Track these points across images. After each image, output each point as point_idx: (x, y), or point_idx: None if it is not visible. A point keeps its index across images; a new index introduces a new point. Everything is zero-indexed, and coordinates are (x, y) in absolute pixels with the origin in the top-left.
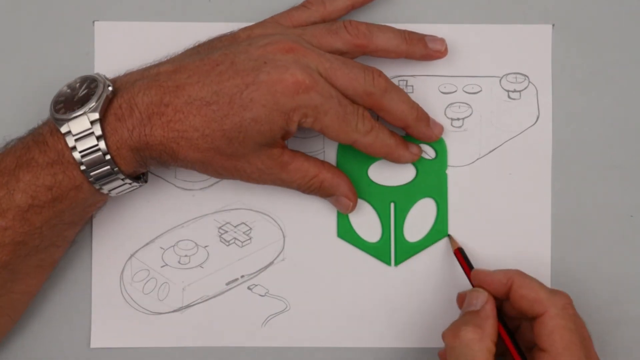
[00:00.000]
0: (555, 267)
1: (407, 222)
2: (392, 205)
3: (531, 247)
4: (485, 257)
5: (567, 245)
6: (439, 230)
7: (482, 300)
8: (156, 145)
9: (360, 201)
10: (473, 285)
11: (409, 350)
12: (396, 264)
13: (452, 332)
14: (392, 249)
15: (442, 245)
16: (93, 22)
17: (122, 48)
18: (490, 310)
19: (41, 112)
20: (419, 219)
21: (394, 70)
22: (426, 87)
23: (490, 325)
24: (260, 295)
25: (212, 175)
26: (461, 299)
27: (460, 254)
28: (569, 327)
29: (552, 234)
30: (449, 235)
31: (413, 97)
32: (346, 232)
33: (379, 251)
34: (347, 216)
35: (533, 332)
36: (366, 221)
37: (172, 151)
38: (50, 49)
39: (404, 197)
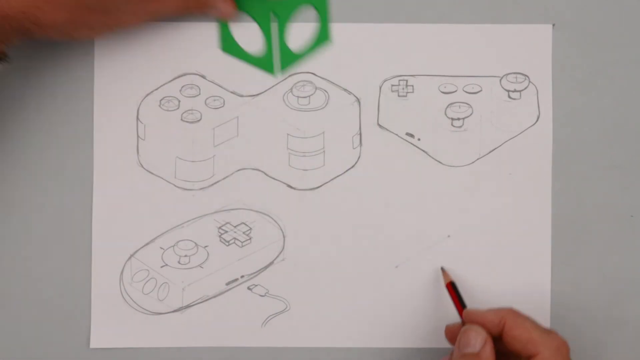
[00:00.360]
0: (556, 267)
1: (288, 31)
2: (271, 14)
3: (531, 247)
4: (485, 257)
5: (567, 245)
6: (322, 36)
7: (480, 341)
8: (16, 14)
9: (240, 15)
10: (464, 323)
11: (409, 350)
12: (281, 70)
13: None
14: (277, 59)
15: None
16: None
17: (122, 48)
18: (489, 352)
19: (40, 111)
20: (300, 27)
21: (394, 70)
22: (426, 87)
23: None
24: (260, 295)
25: (84, 36)
26: (450, 333)
27: (452, 289)
28: None
29: (552, 234)
30: (441, 268)
31: (413, 97)
32: (230, 46)
33: (263, 62)
34: (229, 30)
35: None
36: (248, 34)
37: (35, 18)
38: (50, 48)
39: (283, 6)
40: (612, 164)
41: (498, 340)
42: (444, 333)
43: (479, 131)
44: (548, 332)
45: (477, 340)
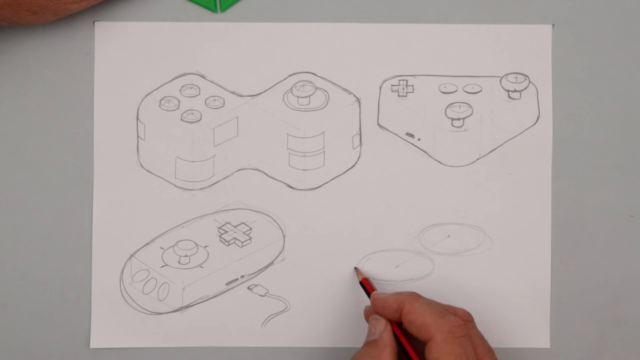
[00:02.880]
0: (556, 267)
1: None
2: None
3: (531, 247)
4: (485, 257)
5: (567, 245)
6: None
7: (380, 328)
8: None
9: None
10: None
11: None
12: (222, 10)
13: None
14: None
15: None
16: (93, 22)
17: (122, 48)
18: (387, 338)
19: (42, 111)
20: None
21: (394, 70)
22: (426, 87)
23: (387, 354)
24: (260, 295)
25: (27, 20)
26: (367, 315)
27: (365, 283)
28: (454, 352)
29: (552, 234)
30: (355, 268)
31: (413, 97)
32: None
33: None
34: None
35: (425, 357)
36: None
37: None
38: (50, 48)
39: None
40: (612, 164)
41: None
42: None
43: (479, 131)
44: (443, 315)
45: (376, 327)
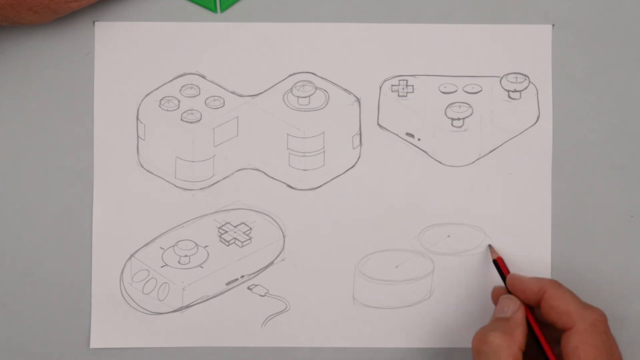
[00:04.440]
0: (556, 267)
1: None
2: None
3: (531, 247)
4: (485, 257)
5: (567, 245)
6: None
7: (513, 308)
8: None
9: None
10: (508, 290)
11: (409, 350)
12: (222, 10)
13: (480, 336)
14: None
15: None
16: (93, 22)
17: (122, 48)
18: (520, 318)
19: (42, 111)
20: None
21: (394, 70)
22: (426, 87)
23: (519, 333)
24: (260, 295)
25: (28, 20)
26: (495, 295)
27: (500, 262)
28: (595, 344)
29: (552, 234)
30: (489, 246)
31: (413, 97)
32: None
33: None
34: None
35: (561, 345)
36: None
37: None
38: (50, 48)
39: None
40: (612, 164)
41: (537, 309)
42: (473, 336)
43: (479, 131)
44: (586, 307)
45: (509, 307)
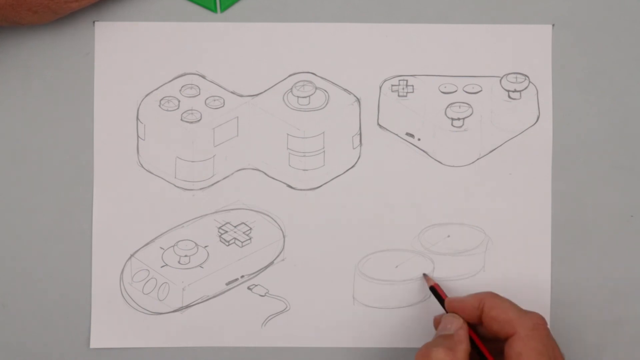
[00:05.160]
0: (556, 267)
1: None
2: None
3: (531, 247)
4: (485, 257)
5: (567, 245)
6: None
7: (456, 325)
8: None
9: None
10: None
11: (409, 350)
12: (222, 10)
13: (423, 352)
14: None
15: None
16: (93, 22)
17: (122, 48)
18: (463, 335)
19: (42, 111)
20: None
21: (394, 70)
22: (426, 87)
23: (462, 349)
24: (260, 295)
25: (28, 20)
26: (437, 322)
27: (437, 288)
28: (538, 348)
29: (552, 234)
30: (424, 275)
31: (413, 97)
32: None
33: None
34: None
35: (504, 353)
36: None
37: None
38: (50, 48)
39: None
40: (612, 164)
41: (480, 326)
42: (416, 353)
43: (479, 131)
44: (525, 312)
45: (452, 324)
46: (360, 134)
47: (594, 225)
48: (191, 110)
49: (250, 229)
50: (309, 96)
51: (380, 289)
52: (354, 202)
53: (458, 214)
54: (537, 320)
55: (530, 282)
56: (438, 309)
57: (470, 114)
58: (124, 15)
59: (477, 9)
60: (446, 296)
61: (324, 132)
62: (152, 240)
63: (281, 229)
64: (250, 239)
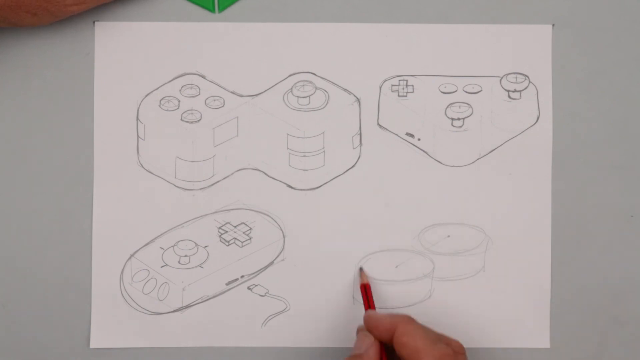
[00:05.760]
0: (556, 267)
1: None
2: None
3: (531, 247)
4: (484, 257)
5: (567, 245)
6: None
7: (367, 344)
8: None
9: None
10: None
11: None
12: (220, 10)
13: None
14: None
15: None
16: (93, 22)
17: (122, 48)
18: (373, 355)
19: (42, 111)
20: None
21: (394, 70)
22: (426, 87)
23: None
24: (260, 295)
25: (27, 22)
26: (358, 332)
27: (365, 291)
28: None
29: (552, 234)
30: (360, 269)
31: (413, 97)
32: None
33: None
34: None
35: None
36: None
37: None
38: (50, 49)
39: None
40: (612, 164)
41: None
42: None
43: (479, 131)
44: (434, 342)
45: (363, 343)
46: (360, 134)
47: (593, 225)
48: (191, 110)
49: (250, 229)
50: (309, 96)
51: (380, 289)
52: (354, 202)
53: (458, 214)
54: (444, 352)
55: (530, 282)
56: (438, 309)
57: (470, 114)
58: (123, 15)
59: (477, 9)
60: (373, 304)
61: (324, 132)
62: (152, 240)
63: (281, 229)
64: (250, 239)
